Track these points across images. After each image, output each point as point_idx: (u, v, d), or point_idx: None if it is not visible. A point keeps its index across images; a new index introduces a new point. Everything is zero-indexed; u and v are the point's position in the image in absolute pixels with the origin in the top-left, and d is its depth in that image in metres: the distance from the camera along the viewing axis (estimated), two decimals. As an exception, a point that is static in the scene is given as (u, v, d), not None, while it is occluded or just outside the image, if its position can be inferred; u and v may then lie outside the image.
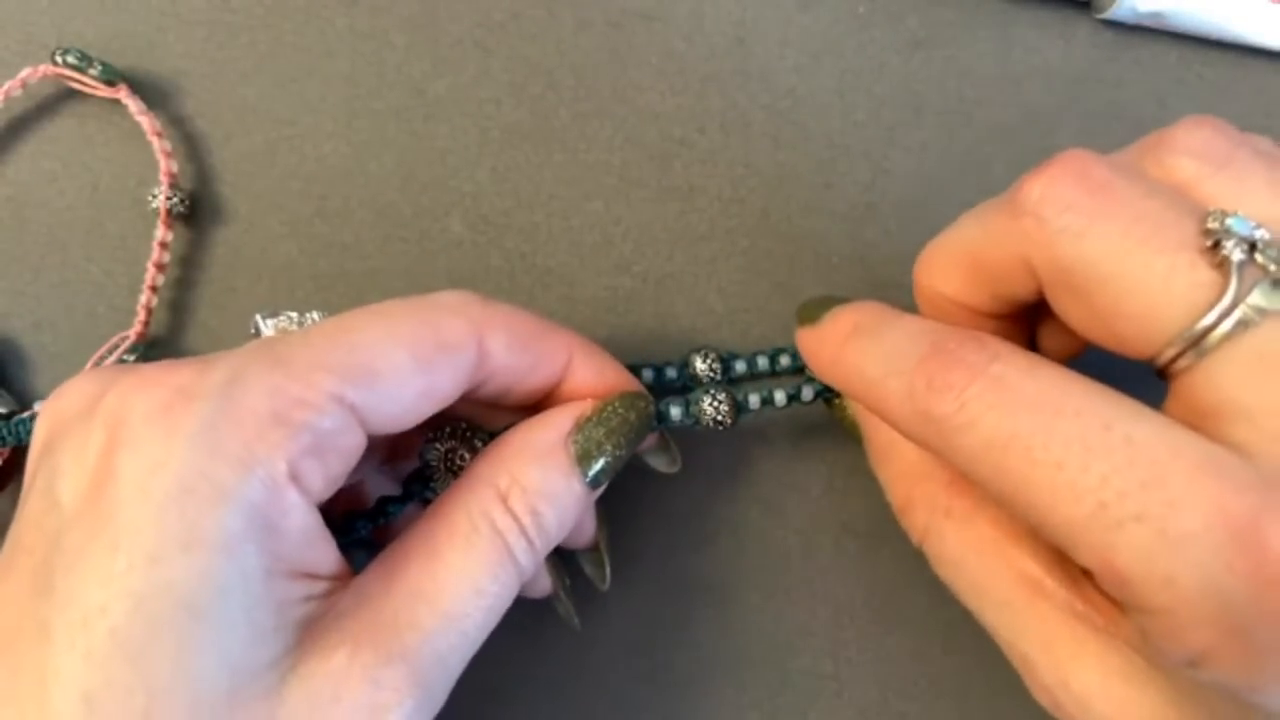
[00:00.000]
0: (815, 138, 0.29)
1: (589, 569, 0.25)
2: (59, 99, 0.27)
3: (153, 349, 0.26)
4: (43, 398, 0.26)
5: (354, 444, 0.18)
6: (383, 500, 0.22)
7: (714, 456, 0.27)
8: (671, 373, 0.26)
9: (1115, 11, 0.29)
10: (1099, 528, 0.16)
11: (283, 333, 0.21)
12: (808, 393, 0.25)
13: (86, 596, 0.16)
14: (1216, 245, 0.17)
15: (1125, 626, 0.19)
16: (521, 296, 0.27)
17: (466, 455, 0.22)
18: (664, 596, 0.26)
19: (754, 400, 0.24)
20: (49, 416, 0.18)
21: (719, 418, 0.24)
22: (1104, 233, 0.18)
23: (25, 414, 0.25)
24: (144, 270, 0.26)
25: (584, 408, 0.21)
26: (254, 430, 0.17)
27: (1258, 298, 0.16)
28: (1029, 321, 0.23)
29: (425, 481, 0.22)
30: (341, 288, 0.27)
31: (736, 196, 0.28)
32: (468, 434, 0.22)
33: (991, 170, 0.29)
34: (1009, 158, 0.29)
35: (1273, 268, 0.17)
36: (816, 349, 0.23)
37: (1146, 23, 0.29)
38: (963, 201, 0.28)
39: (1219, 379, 0.17)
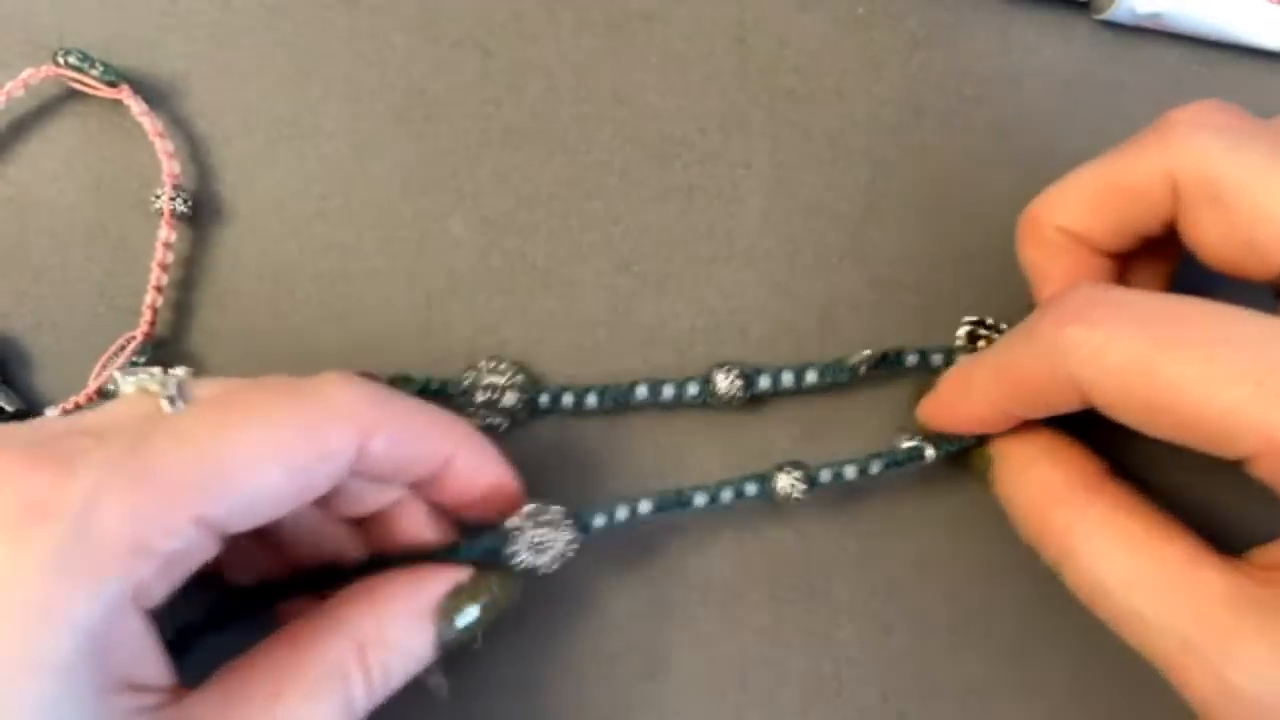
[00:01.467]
0: (815, 138, 0.29)
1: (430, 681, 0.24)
2: (61, 100, 0.27)
3: (159, 349, 0.26)
4: (45, 398, 0.26)
5: (208, 554, 0.18)
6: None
7: (713, 456, 0.27)
8: (693, 389, 0.26)
9: (1114, 12, 0.29)
10: (1260, 406, 0.18)
11: (143, 391, 0.19)
12: (623, 513, 0.24)
13: None
14: None
15: None
16: (521, 296, 0.27)
17: None
18: (664, 596, 0.26)
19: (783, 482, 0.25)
20: None
21: None
22: (1253, 148, 0.20)
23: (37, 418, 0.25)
24: (146, 271, 0.26)
25: (464, 576, 0.21)
26: (107, 558, 0.16)
27: None
28: (1122, 271, 0.25)
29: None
30: (341, 288, 0.27)
31: (736, 196, 0.28)
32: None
33: (991, 170, 0.29)
34: (1009, 158, 0.29)
35: None
36: (943, 398, 0.25)
37: (1145, 24, 0.29)
38: (963, 202, 0.29)
39: None
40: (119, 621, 0.17)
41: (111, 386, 0.20)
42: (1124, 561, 0.21)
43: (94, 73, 0.26)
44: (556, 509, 0.23)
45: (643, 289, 0.28)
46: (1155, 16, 0.29)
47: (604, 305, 0.28)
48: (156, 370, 0.20)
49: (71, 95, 0.27)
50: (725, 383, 0.26)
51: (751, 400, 0.27)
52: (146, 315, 0.26)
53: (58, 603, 0.16)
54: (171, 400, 0.19)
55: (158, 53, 0.28)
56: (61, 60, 0.26)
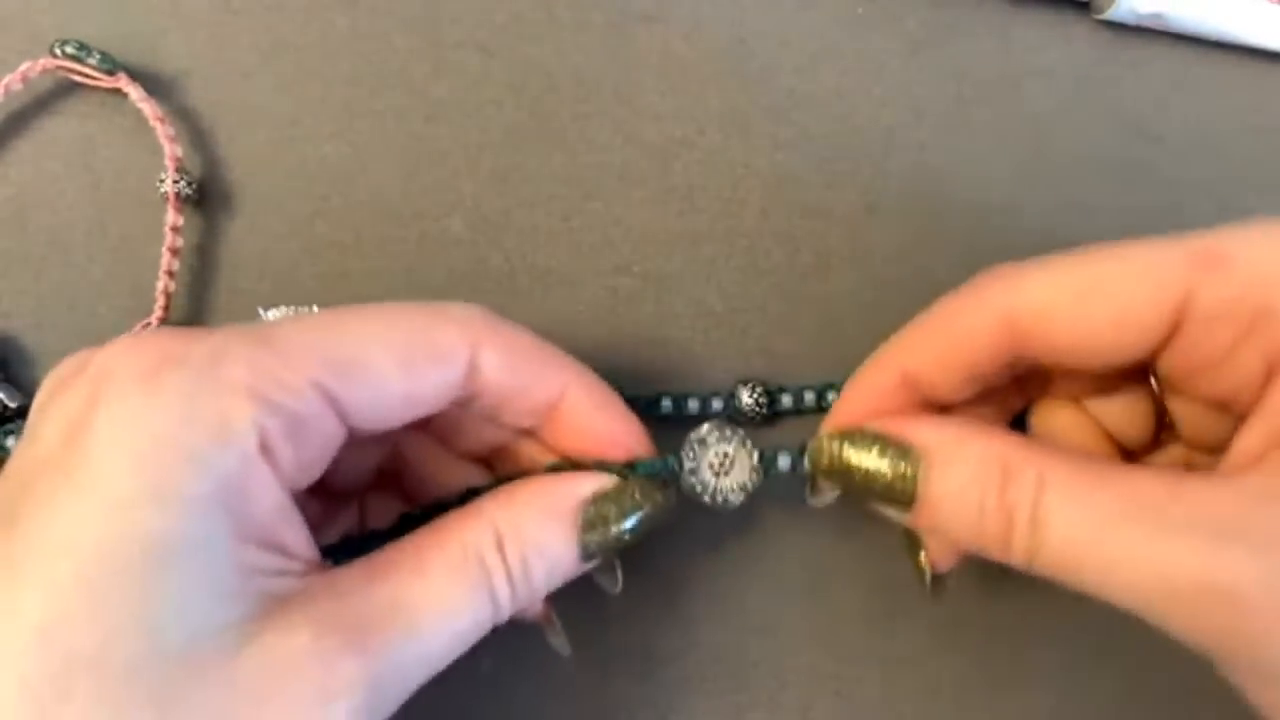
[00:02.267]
0: (815, 138, 0.29)
1: (554, 641, 0.24)
2: (61, 100, 0.28)
3: None
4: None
5: (330, 432, 0.19)
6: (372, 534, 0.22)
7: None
8: (717, 404, 0.26)
9: (1115, 12, 0.29)
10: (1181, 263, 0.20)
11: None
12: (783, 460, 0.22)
13: (52, 534, 0.16)
14: None
15: None
16: (521, 296, 0.27)
17: None
18: (664, 596, 0.26)
19: (783, 461, 0.22)
20: (49, 380, 0.19)
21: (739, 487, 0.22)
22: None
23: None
24: (146, 269, 0.26)
25: (606, 482, 0.21)
26: (230, 401, 0.17)
27: None
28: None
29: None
30: (341, 288, 0.27)
31: (736, 197, 0.28)
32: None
33: (991, 170, 0.29)
34: (1009, 158, 0.29)
35: None
36: (857, 390, 0.23)
37: (1146, 23, 0.29)
38: (962, 202, 0.29)
39: None
40: (252, 475, 0.17)
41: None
42: (1109, 512, 0.19)
43: (92, 61, 0.26)
44: (739, 430, 0.22)
45: (643, 289, 0.28)
46: (1155, 16, 0.29)
47: (604, 305, 0.28)
48: (293, 307, 0.23)
49: (71, 96, 0.27)
50: (749, 400, 0.26)
51: (774, 417, 0.27)
52: (160, 300, 0.26)
53: (185, 438, 0.16)
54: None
55: (158, 53, 0.28)
56: (59, 51, 0.26)
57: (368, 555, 0.19)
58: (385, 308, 0.20)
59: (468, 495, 0.22)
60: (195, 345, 0.18)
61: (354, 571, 0.19)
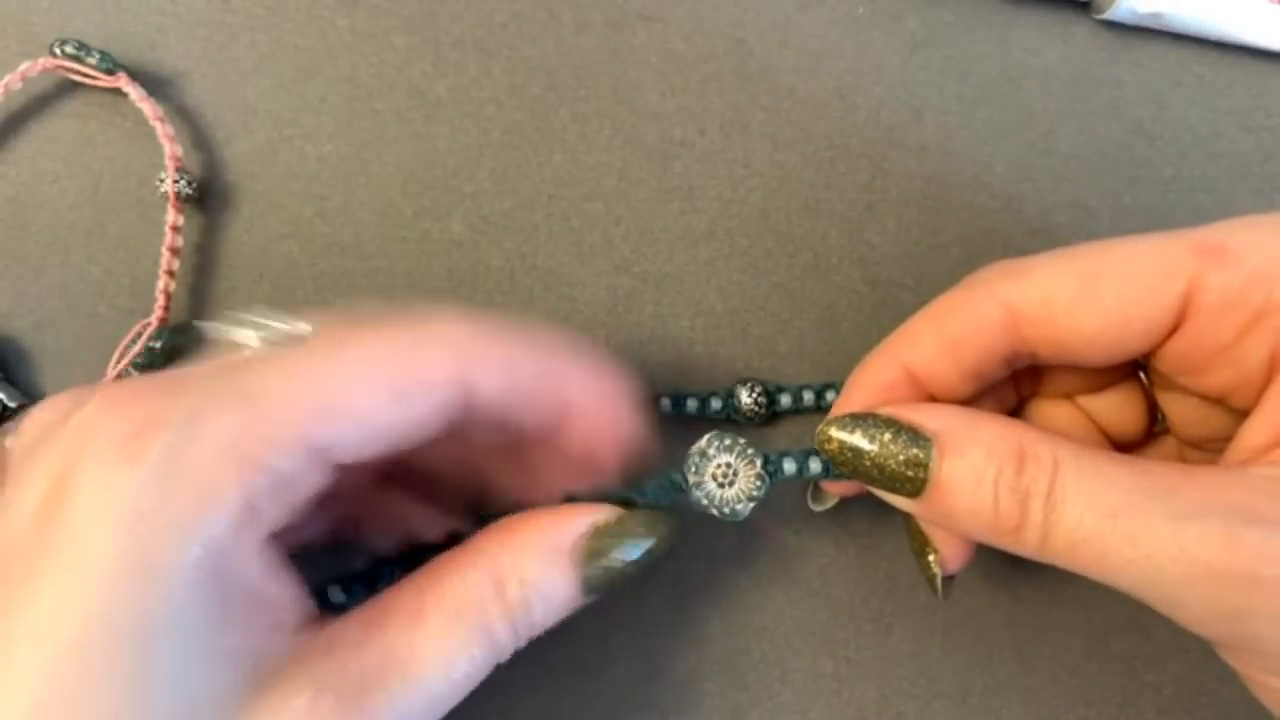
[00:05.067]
0: (815, 138, 0.29)
1: None
2: (60, 100, 0.27)
3: (176, 334, 0.26)
4: (46, 396, 0.26)
5: (317, 479, 0.18)
6: (380, 562, 0.22)
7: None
8: (716, 404, 0.26)
9: (1114, 12, 0.29)
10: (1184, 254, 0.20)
11: (263, 339, 0.20)
12: (815, 464, 0.22)
13: (38, 611, 0.15)
14: None
15: None
16: (521, 296, 0.27)
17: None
18: (664, 596, 0.26)
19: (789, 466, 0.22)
20: (25, 432, 0.18)
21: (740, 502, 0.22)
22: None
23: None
24: (146, 270, 0.26)
25: (606, 516, 0.20)
26: (214, 467, 0.16)
27: None
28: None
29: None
30: (342, 288, 0.27)
31: (736, 197, 0.28)
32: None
33: (991, 170, 0.29)
34: (1009, 158, 0.29)
35: None
36: (859, 381, 0.23)
37: (1146, 23, 0.29)
38: (962, 203, 0.29)
39: None
40: (238, 540, 0.17)
41: (223, 329, 0.21)
42: (1128, 491, 0.18)
43: (91, 61, 0.26)
44: (740, 439, 0.21)
45: (643, 289, 0.28)
46: (1155, 16, 0.29)
47: (604, 305, 0.28)
48: (260, 317, 0.20)
49: (71, 96, 0.27)
50: (749, 399, 0.26)
51: (773, 417, 0.27)
52: (160, 300, 0.26)
53: (167, 508, 0.16)
54: (276, 345, 0.20)
55: (157, 52, 0.28)
56: (58, 50, 0.26)
57: (362, 605, 0.19)
58: (370, 337, 0.19)
59: (458, 535, 0.21)
60: (175, 404, 0.17)
61: (349, 625, 0.18)
